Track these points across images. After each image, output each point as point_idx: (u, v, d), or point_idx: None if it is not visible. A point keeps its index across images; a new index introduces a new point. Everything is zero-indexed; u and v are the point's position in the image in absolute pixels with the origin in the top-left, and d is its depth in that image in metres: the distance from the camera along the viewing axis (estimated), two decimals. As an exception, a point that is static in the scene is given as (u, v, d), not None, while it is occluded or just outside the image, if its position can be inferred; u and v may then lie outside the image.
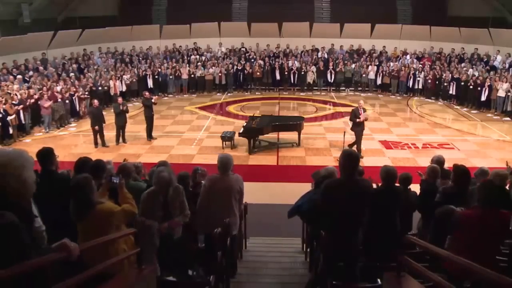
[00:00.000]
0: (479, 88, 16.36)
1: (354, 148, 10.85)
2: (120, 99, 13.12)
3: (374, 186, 4.49)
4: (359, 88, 19.64)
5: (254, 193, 8.55)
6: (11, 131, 12.63)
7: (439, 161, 6.11)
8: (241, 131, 12.11)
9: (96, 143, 12.42)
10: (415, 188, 5.52)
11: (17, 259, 1.90)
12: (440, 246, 2.94)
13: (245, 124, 12.55)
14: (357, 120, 11.13)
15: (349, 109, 16.69)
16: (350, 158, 3.65)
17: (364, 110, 11.41)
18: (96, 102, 12.40)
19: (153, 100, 12.87)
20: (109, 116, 12.95)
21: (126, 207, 3.55)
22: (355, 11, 20.67)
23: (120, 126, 12.65)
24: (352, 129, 11.54)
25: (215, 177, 4.75)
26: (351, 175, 3.67)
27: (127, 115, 12.85)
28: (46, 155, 4.15)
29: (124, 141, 12.83)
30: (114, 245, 3.35)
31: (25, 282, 1.94)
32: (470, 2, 20.52)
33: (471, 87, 16.72)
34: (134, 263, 3.47)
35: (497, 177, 4.81)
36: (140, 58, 19.51)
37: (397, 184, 4.74)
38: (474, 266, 2.38)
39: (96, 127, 12.15)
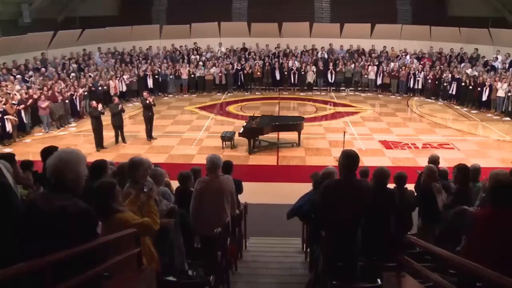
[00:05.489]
0: (479, 88, 16.35)
1: None
2: (116, 99, 12.98)
3: None
4: (359, 88, 19.63)
5: (254, 193, 8.56)
6: (7, 128, 12.58)
7: (434, 160, 6.17)
8: (241, 131, 12.11)
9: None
10: (412, 188, 5.54)
11: (90, 240, 2.36)
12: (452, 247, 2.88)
13: (245, 124, 12.55)
14: None
15: (349, 109, 16.83)
16: (350, 158, 3.64)
17: None
18: (94, 103, 12.22)
19: (147, 101, 12.66)
20: (106, 117, 12.84)
21: (146, 221, 3.29)
22: (355, 11, 20.67)
23: (117, 126, 12.65)
24: None
25: (206, 179, 4.69)
26: (350, 175, 3.66)
27: (123, 115, 12.82)
28: (51, 153, 4.15)
29: (123, 141, 12.84)
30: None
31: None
32: (470, 2, 20.51)
33: (470, 87, 16.72)
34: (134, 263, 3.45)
35: (497, 177, 4.80)
36: (140, 58, 19.49)
37: (392, 185, 4.75)
38: (474, 266, 2.37)
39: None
